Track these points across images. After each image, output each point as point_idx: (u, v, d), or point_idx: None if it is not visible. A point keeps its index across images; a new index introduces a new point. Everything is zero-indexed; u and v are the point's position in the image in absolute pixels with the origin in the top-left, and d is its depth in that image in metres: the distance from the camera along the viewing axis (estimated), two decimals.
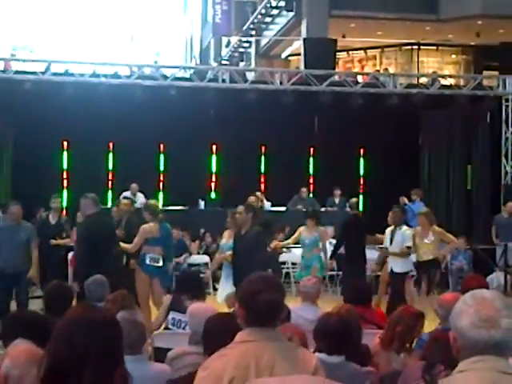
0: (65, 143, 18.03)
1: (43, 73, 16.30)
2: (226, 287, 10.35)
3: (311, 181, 19.25)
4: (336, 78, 18.12)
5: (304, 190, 17.63)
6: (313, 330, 4.92)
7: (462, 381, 2.53)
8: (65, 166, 18.19)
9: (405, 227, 11.49)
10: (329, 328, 4.77)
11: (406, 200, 16.57)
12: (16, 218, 10.18)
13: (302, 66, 20.47)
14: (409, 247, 11.13)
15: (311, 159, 19.36)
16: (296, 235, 12.58)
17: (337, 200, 17.50)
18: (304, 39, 20.92)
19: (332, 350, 4.66)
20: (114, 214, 12.31)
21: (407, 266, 11.27)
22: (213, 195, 18.74)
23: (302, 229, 12.44)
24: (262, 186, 18.86)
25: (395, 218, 11.44)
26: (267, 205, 17.14)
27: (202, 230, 15.89)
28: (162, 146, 18.60)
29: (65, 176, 18.16)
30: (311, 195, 18.27)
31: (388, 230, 11.48)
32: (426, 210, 12.47)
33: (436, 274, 11.21)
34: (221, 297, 10.43)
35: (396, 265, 11.23)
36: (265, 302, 3.27)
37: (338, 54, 22.40)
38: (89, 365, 2.61)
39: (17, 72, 16.40)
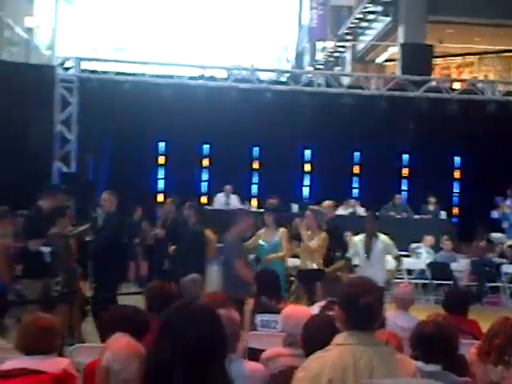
0: (161, 143, 18.33)
1: (143, 74, 16.65)
2: None
3: (405, 187, 19.04)
4: (432, 84, 17.87)
5: (398, 196, 17.44)
6: (409, 337, 4.87)
7: None
8: (161, 167, 18.46)
9: None
10: (426, 335, 4.71)
11: (504, 208, 16.23)
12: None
13: (397, 72, 20.29)
14: None
15: (406, 165, 19.14)
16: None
17: (431, 208, 17.24)
18: (401, 44, 20.71)
19: (429, 359, 4.60)
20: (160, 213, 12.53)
21: None
22: (306, 198, 18.72)
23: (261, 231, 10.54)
24: (356, 191, 18.75)
25: None
26: (360, 211, 17.05)
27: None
28: (255, 148, 18.71)
29: (161, 176, 18.44)
30: (405, 202, 18.05)
31: None
32: None
33: None
34: None
35: None
36: (365, 306, 3.28)
37: (434, 59, 22.07)
38: (188, 362, 2.65)
39: (117, 73, 16.78)
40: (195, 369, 2.65)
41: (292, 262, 14.74)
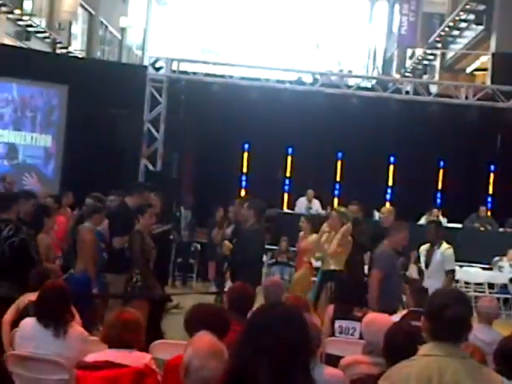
0: (246, 146, 18.43)
1: (231, 76, 16.80)
2: None
3: (490, 199, 18.64)
4: None
5: (483, 208, 17.10)
6: (494, 351, 4.78)
7: None
8: (244, 168, 18.58)
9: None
10: (510, 351, 4.62)
11: None
12: None
13: (488, 82, 19.92)
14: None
15: (492, 177, 18.74)
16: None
17: None
18: (493, 54, 20.33)
19: None
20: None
21: None
22: (387, 206, 18.51)
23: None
24: (439, 201, 18.47)
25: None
26: (443, 221, 16.79)
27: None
28: (340, 153, 18.62)
29: (244, 178, 18.55)
30: (489, 214, 17.69)
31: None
32: None
33: None
34: None
35: None
36: (452, 317, 3.23)
37: None
38: (279, 363, 2.66)
39: (206, 75, 16.97)
40: (281, 370, 2.66)
41: None
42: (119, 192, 10.16)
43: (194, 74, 17.04)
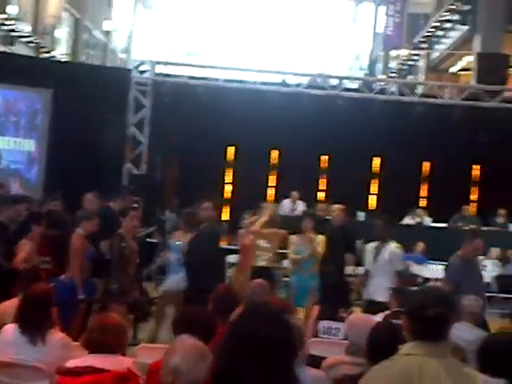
0: (230, 148, 18.41)
1: (216, 79, 16.78)
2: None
3: (475, 198, 18.70)
4: (508, 94, 17.51)
5: (466, 207, 17.17)
6: (477, 349, 4.76)
7: None
8: (229, 171, 18.54)
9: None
10: (495, 349, 4.60)
11: None
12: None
13: (472, 81, 19.98)
14: None
15: (477, 177, 18.80)
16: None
17: (501, 220, 16.89)
18: (477, 54, 20.40)
19: (496, 372, 4.49)
20: None
21: None
22: (373, 206, 18.56)
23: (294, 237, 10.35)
24: (423, 200, 18.51)
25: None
26: (428, 220, 16.84)
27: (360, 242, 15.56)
28: (325, 155, 18.63)
29: (230, 180, 18.52)
30: (475, 212, 17.76)
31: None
32: None
33: None
34: None
35: None
36: (433, 316, 3.22)
37: (510, 69, 21.66)
38: (258, 364, 2.64)
39: (191, 77, 16.94)
40: (268, 371, 2.65)
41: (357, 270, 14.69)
42: (94, 193, 10.10)
43: (179, 76, 17.01)
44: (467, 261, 8.26)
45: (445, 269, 8.97)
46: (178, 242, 9.43)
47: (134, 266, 8.61)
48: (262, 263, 9.99)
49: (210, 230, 9.27)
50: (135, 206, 9.31)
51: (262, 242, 10.03)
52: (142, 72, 17.07)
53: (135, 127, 16.48)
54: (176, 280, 9.16)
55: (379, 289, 8.55)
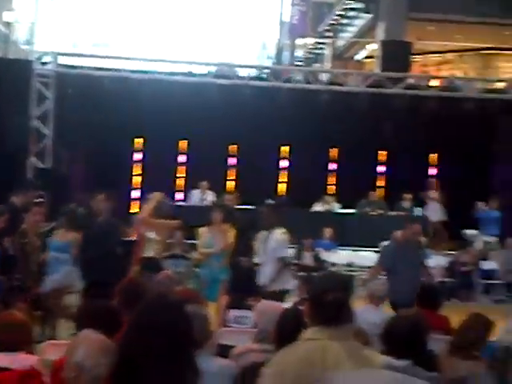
0: (139, 139, 18.24)
1: (122, 70, 16.56)
2: None
3: (382, 184, 19.06)
4: (411, 81, 17.89)
5: (373, 193, 17.48)
6: (381, 332, 4.86)
7: None
8: (139, 162, 18.39)
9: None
10: (398, 331, 4.71)
11: (482, 205, 16.30)
12: None
13: (376, 69, 20.31)
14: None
15: (383, 162, 19.17)
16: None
17: (406, 204, 17.25)
18: (381, 41, 20.72)
19: (400, 354, 4.60)
20: None
21: None
22: (281, 195, 18.69)
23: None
24: (331, 188, 18.75)
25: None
26: (336, 207, 17.07)
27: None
28: (234, 144, 18.66)
29: (139, 172, 18.36)
30: (381, 198, 18.09)
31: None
32: None
33: None
34: None
35: None
36: (333, 301, 3.27)
37: (413, 57, 22.12)
38: (159, 356, 2.64)
39: (95, 68, 16.68)
40: (166, 362, 2.64)
41: None
42: None
43: (84, 68, 16.71)
44: (405, 245, 8.37)
45: (379, 252, 9.05)
46: (59, 241, 9.20)
47: (36, 263, 8.43)
48: (150, 254, 9.74)
49: (105, 223, 9.14)
50: (39, 201, 9.10)
51: (151, 233, 9.77)
52: (45, 64, 16.70)
53: (39, 120, 16.11)
54: (53, 279, 8.99)
55: (265, 277, 8.50)
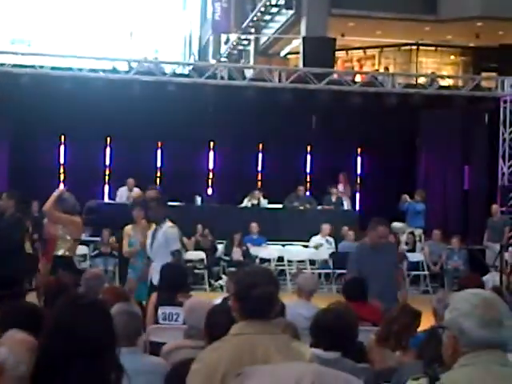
0: (62, 137, 18.00)
1: (41, 67, 16.26)
2: None
3: (308, 179, 19.24)
4: (334, 76, 18.06)
5: (301, 188, 17.60)
6: (309, 325, 4.90)
7: (466, 374, 2.61)
8: (62, 160, 18.16)
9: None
10: (326, 324, 4.76)
11: (407, 198, 16.59)
12: None
13: (300, 65, 20.44)
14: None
15: (308, 157, 19.35)
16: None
17: (333, 198, 17.44)
18: (303, 38, 20.87)
19: (328, 346, 4.65)
20: None
21: None
22: (209, 192, 18.70)
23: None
24: (259, 184, 18.83)
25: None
26: (264, 202, 17.14)
27: (201, 226, 15.60)
28: (159, 141, 18.58)
29: (62, 170, 18.13)
30: (308, 193, 18.25)
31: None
32: None
33: None
34: None
35: None
36: (259, 295, 3.28)
37: (336, 52, 22.34)
38: (80, 356, 2.60)
39: (14, 65, 16.33)
40: (86, 363, 2.60)
41: (196, 255, 14.81)
42: None
43: (1, 65, 16.34)
44: (372, 248, 8.21)
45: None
46: None
47: None
48: (60, 252, 9.45)
49: (10, 220, 9.01)
50: None
51: (61, 231, 9.49)
52: None
53: None
54: None
55: (157, 272, 8.18)
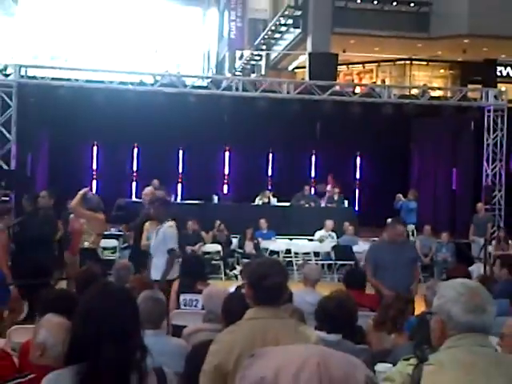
0: (95, 143, 18.09)
1: (77, 80, 16.34)
2: None
3: (313, 180, 19.25)
4: (337, 88, 18.05)
5: (307, 187, 17.61)
6: (314, 311, 4.93)
7: (451, 354, 2.61)
8: (94, 163, 18.24)
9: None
10: (329, 310, 4.79)
11: (401, 197, 16.56)
12: None
13: (306, 78, 20.45)
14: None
15: (313, 160, 19.37)
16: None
17: (336, 197, 17.46)
18: (309, 53, 20.88)
19: (331, 329, 4.67)
20: None
21: None
22: (225, 191, 18.73)
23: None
24: (269, 184, 18.86)
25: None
26: (273, 201, 17.16)
27: (218, 222, 15.63)
28: (181, 146, 18.63)
29: (94, 172, 18.21)
30: (313, 192, 18.27)
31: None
32: None
33: None
34: None
35: None
36: (271, 284, 3.31)
37: (338, 67, 22.35)
38: (109, 338, 2.62)
39: (53, 79, 16.42)
40: (114, 344, 2.63)
41: (213, 247, 14.80)
42: None
43: (42, 78, 16.44)
44: (390, 244, 8.09)
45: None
46: None
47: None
48: (85, 245, 9.45)
49: (43, 214, 9.11)
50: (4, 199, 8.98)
51: (85, 226, 9.52)
52: (7, 75, 16.40)
53: (2, 126, 15.80)
54: None
55: (156, 268, 8.24)
